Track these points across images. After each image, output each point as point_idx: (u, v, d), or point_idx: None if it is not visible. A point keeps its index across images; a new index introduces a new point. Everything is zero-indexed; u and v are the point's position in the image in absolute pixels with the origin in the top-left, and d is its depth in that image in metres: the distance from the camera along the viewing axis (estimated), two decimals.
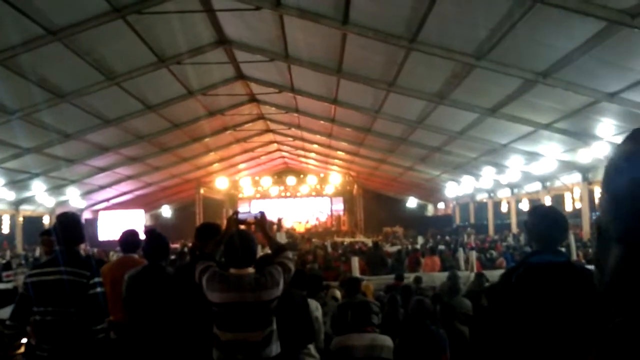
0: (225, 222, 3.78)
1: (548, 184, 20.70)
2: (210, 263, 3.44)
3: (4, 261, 14.37)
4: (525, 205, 23.62)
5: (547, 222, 2.61)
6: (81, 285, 3.67)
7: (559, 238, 2.64)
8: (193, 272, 3.44)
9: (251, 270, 3.41)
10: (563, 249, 11.29)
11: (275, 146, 29.26)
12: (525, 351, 2.36)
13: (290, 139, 26.28)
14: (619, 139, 1.05)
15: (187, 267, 3.59)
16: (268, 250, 4.36)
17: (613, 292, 1.01)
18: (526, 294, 2.44)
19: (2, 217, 22.59)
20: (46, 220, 24.43)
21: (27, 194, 21.45)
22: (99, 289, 3.76)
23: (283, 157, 33.03)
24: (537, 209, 2.83)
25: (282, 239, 17.78)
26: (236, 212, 3.75)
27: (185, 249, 13.33)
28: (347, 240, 25.24)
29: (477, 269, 11.07)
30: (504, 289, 2.58)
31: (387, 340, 4.67)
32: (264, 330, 3.32)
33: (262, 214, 3.87)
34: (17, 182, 19.55)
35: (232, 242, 3.45)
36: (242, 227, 3.71)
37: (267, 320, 3.35)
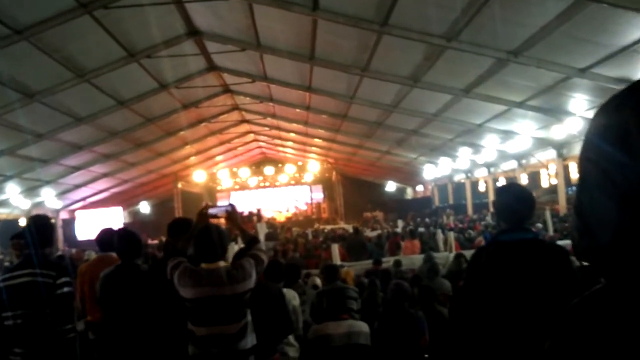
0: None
1: (524, 161, 20.89)
2: (181, 259, 3.41)
3: None
4: (503, 184, 23.82)
5: (514, 200, 2.62)
6: (48, 285, 3.64)
7: (527, 215, 2.66)
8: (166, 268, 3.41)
9: (222, 263, 3.39)
10: (540, 225, 11.39)
11: (251, 136, 29.11)
12: (498, 327, 2.38)
13: (267, 128, 26.17)
14: (592, 114, 1.03)
15: (161, 264, 3.55)
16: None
17: (613, 251, 0.96)
18: (496, 271, 2.45)
19: None
20: (22, 223, 24.01)
21: (2, 197, 21.07)
22: (66, 289, 3.73)
23: (260, 147, 32.91)
24: (503, 188, 2.85)
25: (262, 229, 17.73)
26: (206, 206, 3.70)
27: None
28: (328, 227, 25.27)
29: (456, 250, 11.15)
30: (474, 267, 2.59)
31: (363, 327, 4.68)
32: (239, 323, 3.30)
33: (232, 207, 3.83)
34: None
35: (202, 236, 3.42)
36: (213, 220, 3.68)
37: (241, 312, 3.34)
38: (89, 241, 24.30)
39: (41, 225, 3.91)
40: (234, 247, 7.96)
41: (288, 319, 4.27)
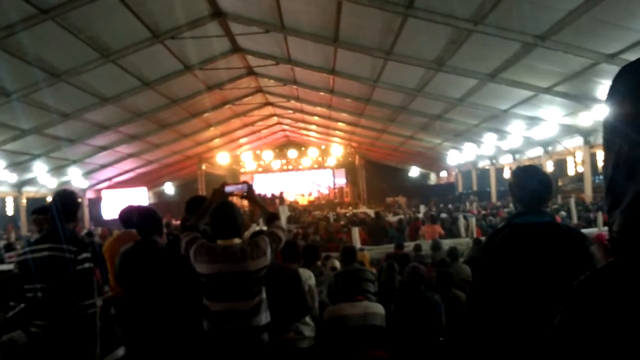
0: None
1: (550, 148, 20.60)
2: (196, 234, 3.44)
3: (6, 242, 14.43)
4: (519, 166, 23.51)
5: (530, 183, 2.58)
6: (69, 260, 3.70)
7: (543, 198, 2.62)
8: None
9: (238, 240, 3.41)
10: (564, 214, 11.26)
11: (275, 119, 29.16)
12: (512, 309, 2.36)
13: (290, 111, 26.18)
14: None
15: (178, 240, 3.59)
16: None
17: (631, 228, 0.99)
18: (510, 254, 2.43)
19: (6, 200, 22.67)
20: (50, 201, 24.49)
21: (29, 175, 21.49)
22: (87, 265, 3.80)
23: (284, 130, 32.95)
24: (519, 170, 2.80)
25: (284, 212, 17.80)
26: (223, 184, 3.72)
27: None
28: (350, 211, 25.28)
29: (477, 236, 11.08)
30: (489, 250, 2.57)
31: (379, 308, 4.69)
32: (253, 300, 3.33)
33: (248, 185, 3.85)
34: (19, 164, 19.57)
35: (219, 213, 3.45)
36: (234, 199, 3.72)
37: (256, 289, 3.36)
38: (114, 220, 24.71)
39: (65, 200, 3.98)
40: (255, 228, 8.01)
41: (304, 301, 4.29)
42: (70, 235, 3.83)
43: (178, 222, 17.86)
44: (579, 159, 19.40)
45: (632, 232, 0.96)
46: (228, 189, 3.67)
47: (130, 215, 5.25)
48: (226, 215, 3.42)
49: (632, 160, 0.99)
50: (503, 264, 2.44)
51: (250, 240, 3.44)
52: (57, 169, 22.06)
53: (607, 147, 1.09)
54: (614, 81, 1.10)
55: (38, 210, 5.40)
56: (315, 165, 34.95)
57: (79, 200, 4.34)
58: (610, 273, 0.99)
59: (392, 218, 18.57)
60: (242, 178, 34.91)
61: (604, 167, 1.10)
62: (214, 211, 3.47)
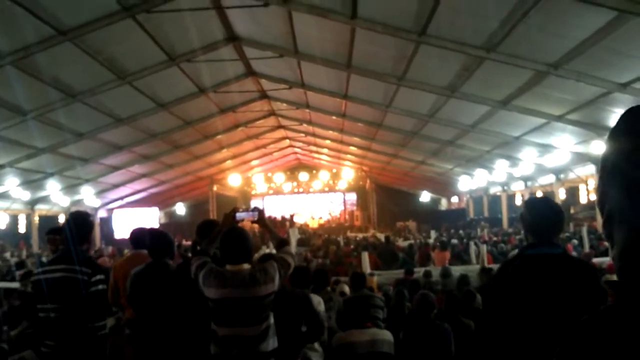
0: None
1: (562, 176, 20.50)
2: (206, 259, 3.47)
3: (18, 260, 14.51)
4: (531, 197, 23.39)
5: (541, 214, 2.59)
6: (83, 282, 3.73)
7: (555, 230, 2.62)
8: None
9: (247, 266, 3.44)
10: (576, 242, 11.18)
11: (287, 142, 29.29)
12: (522, 341, 2.36)
13: (302, 134, 26.29)
14: None
15: (189, 264, 3.61)
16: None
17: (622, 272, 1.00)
18: (522, 285, 2.43)
19: (18, 217, 22.84)
20: (62, 219, 24.66)
21: (42, 193, 21.66)
22: (100, 287, 3.83)
23: (295, 153, 33.05)
24: (531, 201, 2.81)
25: (294, 235, 17.79)
26: (234, 210, 3.76)
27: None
28: (360, 235, 25.21)
29: (488, 263, 11.01)
30: (500, 281, 2.57)
31: (387, 335, 4.67)
32: (260, 325, 3.34)
33: (259, 210, 3.88)
34: (32, 182, 19.74)
35: (229, 238, 3.48)
36: (244, 224, 3.74)
37: (263, 315, 3.37)
38: (125, 240, 24.80)
39: (80, 221, 4.03)
40: (265, 250, 8.03)
41: (318, 323, 4.27)
42: (84, 257, 3.88)
43: (189, 243, 17.94)
44: (592, 187, 19.28)
45: (629, 278, 0.97)
46: (239, 215, 3.70)
47: (141, 237, 5.28)
48: (236, 241, 3.45)
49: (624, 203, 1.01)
50: (514, 295, 2.44)
51: (259, 265, 3.46)
52: (70, 187, 22.22)
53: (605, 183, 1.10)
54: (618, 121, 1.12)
55: (53, 230, 5.46)
56: (326, 189, 34.98)
57: (93, 222, 4.39)
58: (606, 318, 0.99)
59: (402, 243, 18.52)
60: (253, 200, 35.03)
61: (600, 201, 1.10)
62: (223, 236, 3.51)
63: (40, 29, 10.10)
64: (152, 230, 4.56)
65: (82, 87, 13.32)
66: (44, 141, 16.11)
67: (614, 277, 1.06)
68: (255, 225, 4.27)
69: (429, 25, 10.05)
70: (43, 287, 3.76)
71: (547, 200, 2.85)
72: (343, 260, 13.13)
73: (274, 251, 5.30)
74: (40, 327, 3.81)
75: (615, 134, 1.09)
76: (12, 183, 19.01)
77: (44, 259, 14.62)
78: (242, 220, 3.74)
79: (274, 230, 4.01)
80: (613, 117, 13.04)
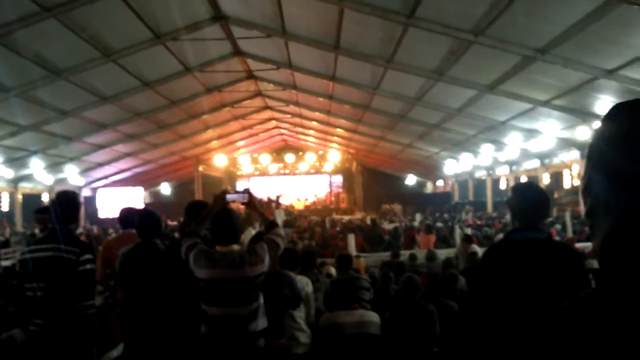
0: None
1: (547, 161, 20.68)
2: (196, 240, 3.49)
3: (3, 239, 14.42)
4: (518, 183, 23.58)
5: (528, 199, 2.63)
6: (71, 262, 3.74)
7: (541, 215, 2.67)
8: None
9: (236, 247, 3.47)
10: (559, 227, 11.30)
11: (273, 123, 29.16)
12: (506, 323, 2.40)
13: (289, 115, 26.19)
14: None
15: (178, 244, 3.62)
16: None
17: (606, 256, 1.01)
18: (507, 269, 2.47)
19: (1, 195, 22.62)
20: (45, 198, 24.45)
21: (26, 171, 21.45)
22: (88, 266, 3.84)
23: (282, 134, 32.95)
24: (518, 187, 2.85)
25: (280, 216, 17.82)
26: (224, 191, 3.77)
27: None
28: (345, 217, 25.30)
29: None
30: (486, 264, 2.61)
31: (374, 317, 4.73)
32: (250, 305, 3.38)
33: (249, 193, 3.90)
34: (16, 160, 19.54)
35: (219, 220, 3.49)
36: (232, 204, 3.76)
37: (253, 295, 3.41)
38: (110, 219, 24.72)
39: (67, 201, 4.01)
40: (251, 231, 8.05)
41: (297, 292, 4.31)
42: (72, 236, 3.87)
43: (174, 223, 17.93)
44: (575, 172, 19.49)
45: (610, 266, 0.99)
46: (229, 197, 3.71)
47: (130, 216, 5.27)
48: (226, 222, 3.48)
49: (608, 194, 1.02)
50: (500, 278, 2.48)
51: (249, 247, 3.49)
52: (54, 165, 22.01)
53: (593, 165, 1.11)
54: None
55: (42, 210, 5.43)
56: (312, 170, 34.98)
57: (80, 201, 4.37)
58: (586, 304, 1.01)
59: (387, 225, 18.62)
60: (239, 181, 34.95)
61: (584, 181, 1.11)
62: (214, 218, 3.53)
63: (24, 5, 9.93)
64: (140, 210, 4.55)
65: (66, 65, 13.14)
66: (27, 119, 15.91)
67: (596, 263, 1.08)
68: (242, 207, 4.29)
69: (417, 7, 10.04)
70: (31, 266, 3.76)
71: (534, 185, 2.89)
72: (329, 242, 13.19)
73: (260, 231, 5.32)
74: (27, 306, 3.81)
75: (605, 123, 1.11)
76: None
77: (30, 237, 14.57)
78: (233, 201, 3.75)
79: (264, 212, 4.03)
80: (599, 103, 13.18)
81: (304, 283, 4.81)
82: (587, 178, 1.09)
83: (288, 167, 34.74)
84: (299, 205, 33.57)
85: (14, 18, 10.26)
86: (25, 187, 22.93)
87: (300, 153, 33.70)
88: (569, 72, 11.31)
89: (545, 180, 21.01)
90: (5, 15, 10.13)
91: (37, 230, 15.85)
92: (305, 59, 15.67)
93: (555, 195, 23.14)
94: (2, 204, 22.95)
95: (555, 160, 19.94)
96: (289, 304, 4.21)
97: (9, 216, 23.35)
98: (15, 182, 21.83)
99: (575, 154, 18.06)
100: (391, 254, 9.94)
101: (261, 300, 3.45)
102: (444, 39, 11.24)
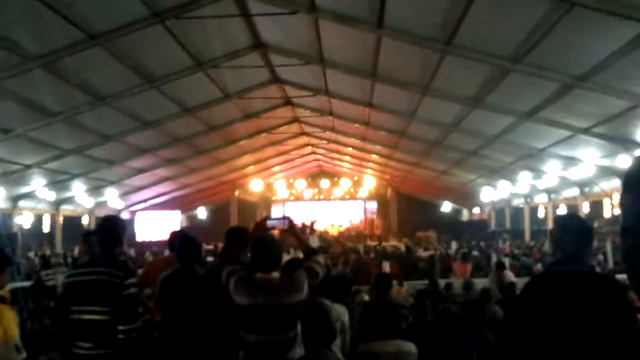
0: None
1: (586, 189, 20.25)
2: (237, 266, 3.52)
3: (43, 261, 14.73)
4: (562, 211, 23.15)
5: (571, 231, 2.60)
6: (115, 285, 3.81)
7: (583, 248, 2.63)
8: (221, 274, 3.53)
9: (276, 274, 3.48)
10: (601, 257, 11.04)
11: (309, 149, 29.35)
12: (547, 358, 2.36)
13: (325, 141, 26.33)
14: None
15: (217, 269, 3.66)
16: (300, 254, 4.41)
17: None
18: (548, 302, 2.44)
19: (43, 217, 23.18)
20: (85, 220, 24.98)
21: (68, 194, 21.99)
22: (132, 290, 3.91)
23: (317, 159, 33.10)
24: (561, 218, 2.83)
25: (314, 242, 17.83)
26: (266, 217, 3.82)
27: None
28: (379, 244, 25.12)
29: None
30: (527, 297, 2.58)
31: (412, 347, 4.67)
32: (289, 333, 3.38)
33: (289, 219, 3.93)
34: (58, 183, 20.05)
35: (260, 246, 3.52)
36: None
37: (292, 323, 3.42)
38: (147, 242, 25.07)
39: (113, 225, 4.12)
40: (285, 257, 8.07)
41: (330, 328, 4.29)
42: (117, 260, 3.96)
43: (209, 247, 18.08)
44: (616, 201, 19.04)
45: None
46: (270, 222, 3.75)
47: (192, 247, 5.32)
48: (266, 249, 3.51)
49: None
50: (540, 312, 2.44)
51: (289, 275, 3.50)
52: (95, 189, 22.51)
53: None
54: None
55: (89, 233, 5.56)
56: (347, 196, 34.97)
57: (125, 225, 4.48)
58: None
59: (422, 253, 18.43)
60: (274, 205, 35.12)
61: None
62: (254, 244, 3.56)
63: (71, 32, 10.27)
64: (181, 234, 4.62)
65: (110, 91, 13.52)
66: (70, 143, 16.38)
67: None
68: (276, 232, 4.33)
69: (455, 35, 10.05)
70: (78, 289, 3.84)
71: (577, 217, 2.86)
72: (363, 269, 13.11)
73: (298, 257, 5.34)
74: (72, 329, 3.88)
75: None
76: (38, 183, 19.35)
77: (70, 259, 14.86)
78: (273, 227, 3.79)
79: (304, 239, 4.05)
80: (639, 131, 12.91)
81: (341, 312, 4.79)
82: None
83: (323, 193, 34.84)
84: (333, 231, 33.51)
85: (61, 45, 10.64)
86: (67, 209, 23.48)
87: (335, 179, 33.80)
88: (609, 100, 11.14)
89: (585, 209, 20.57)
90: (52, 42, 10.51)
91: (76, 252, 16.22)
92: (342, 85, 15.80)
93: (595, 225, 22.60)
94: (43, 226, 23.51)
95: (595, 189, 19.51)
96: (324, 339, 4.18)
97: (49, 237, 23.86)
98: (57, 204, 22.37)
99: (616, 183, 17.65)
100: (429, 283, 9.81)
101: (299, 328, 3.46)
102: (482, 65, 11.21)
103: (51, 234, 23.76)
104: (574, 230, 2.58)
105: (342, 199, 35.28)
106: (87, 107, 13.66)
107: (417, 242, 27.49)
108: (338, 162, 32.37)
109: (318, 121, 21.82)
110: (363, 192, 33.91)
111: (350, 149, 26.81)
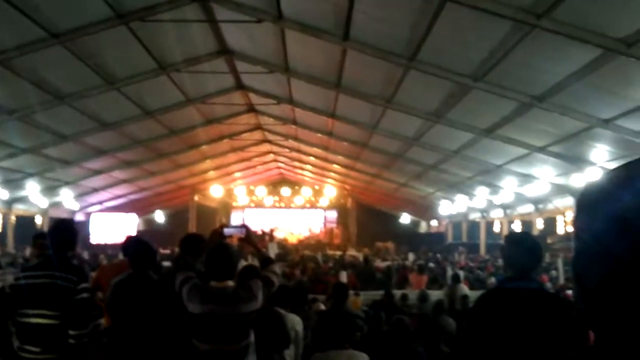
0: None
1: (540, 206, 20.78)
2: (191, 274, 3.50)
3: None
4: (517, 227, 23.67)
5: (521, 249, 2.67)
6: (68, 289, 3.74)
7: (532, 265, 2.71)
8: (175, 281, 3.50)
9: (231, 283, 3.47)
10: (554, 273, 11.27)
11: (271, 156, 29.30)
12: None
13: (287, 150, 26.34)
14: (612, 165, 1.08)
15: (171, 276, 3.63)
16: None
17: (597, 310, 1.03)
18: (498, 318, 2.50)
19: None
20: (39, 221, 24.37)
21: (21, 193, 21.41)
22: (85, 295, 3.84)
23: (279, 167, 33.06)
24: (512, 236, 2.91)
25: (273, 249, 17.78)
26: (222, 226, 3.80)
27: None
28: (338, 253, 25.19)
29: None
30: (478, 312, 2.64)
31: (365, 358, 4.69)
32: (241, 342, 3.37)
33: (247, 228, 3.92)
34: (11, 182, 19.52)
35: (215, 255, 3.51)
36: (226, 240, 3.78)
37: (245, 332, 3.41)
38: (102, 245, 24.60)
39: (66, 228, 4.04)
40: (242, 263, 8.02)
41: (284, 334, 4.29)
42: (70, 264, 3.88)
43: (166, 251, 17.85)
44: (569, 218, 19.57)
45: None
46: (227, 231, 3.74)
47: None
48: (222, 258, 3.49)
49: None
50: (490, 327, 2.50)
51: (243, 283, 3.50)
52: (50, 189, 21.99)
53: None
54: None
55: (40, 235, 5.43)
56: (308, 205, 35.00)
57: (78, 229, 4.39)
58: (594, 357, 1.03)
59: (380, 263, 18.56)
60: (234, 211, 34.89)
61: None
62: (210, 252, 3.54)
63: (32, 30, 10.06)
64: (135, 239, 4.56)
65: (70, 90, 13.25)
66: (26, 141, 15.98)
67: None
68: (234, 240, 4.32)
69: (419, 51, 10.22)
70: (25, 292, 3.75)
71: (527, 237, 2.94)
72: (321, 278, 13.12)
73: (252, 264, 5.32)
74: (19, 332, 3.79)
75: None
76: None
77: (21, 260, 14.46)
78: (230, 236, 3.78)
79: (260, 248, 4.05)
80: (594, 151, 13.33)
81: (295, 322, 4.79)
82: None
83: (283, 201, 34.80)
84: (293, 239, 33.47)
85: (20, 42, 10.40)
86: (20, 209, 22.86)
87: (297, 187, 33.83)
88: (566, 120, 11.47)
89: (539, 225, 21.08)
90: (11, 39, 10.26)
91: (27, 253, 15.79)
92: (306, 95, 15.85)
93: (549, 241, 23.16)
94: None
95: (550, 206, 20.04)
96: (277, 345, 4.20)
97: (0, 237, 23.19)
98: (10, 203, 21.76)
99: (569, 201, 18.16)
100: (384, 293, 9.88)
101: (252, 338, 3.45)
102: (444, 82, 11.41)
103: (3, 234, 23.09)
104: (524, 249, 2.66)
105: (303, 207, 35.30)
106: (45, 106, 13.35)
107: (376, 252, 27.70)
108: (300, 171, 32.39)
109: (281, 129, 21.82)
110: (324, 201, 34.01)
111: (312, 158, 26.88)
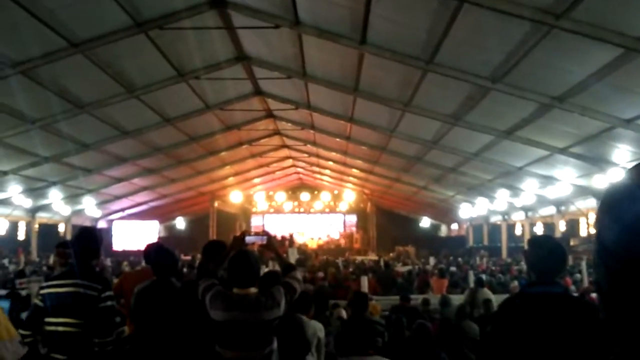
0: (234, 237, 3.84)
1: (563, 208, 20.53)
2: (214, 281, 3.50)
3: (18, 268, 14.50)
4: (539, 229, 23.42)
5: (544, 253, 2.63)
6: (93, 298, 3.78)
7: (556, 269, 2.67)
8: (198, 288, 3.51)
9: (253, 290, 3.47)
10: (579, 276, 11.12)
11: (290, 162, 29.38)
12: None
13: (306, 155, 26.39)
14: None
15: (194, 283, 3.64)
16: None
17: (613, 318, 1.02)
18: (521, 324, 2.47)
19: (18, 224, 22.85)
20: (61, 228, 24.69)
21: (44, 201, 21.72)
22: (109, 303, 3.87)
23: (298, 172, 33.14)
24: (535, 240, 2.85)
25: (293, 254, 17.79)
26: (243, 233, 3.81)
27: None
28: (358, 258, 25.13)
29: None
30: (500, 318, 2.61)
31: None
32: (265, 349, 3.37)
33: (269, 236, 3.93)
34: (35, 190, 19.81)
35: (238, 262, 3.51)
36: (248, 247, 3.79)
37: (268, 339, 3.40)
38: (124, 252, 24.82)
39: (89, 237, 4.08)
40: (264, 269, 8.03)
41: (305, 341, 4.28)
42: (94, 273, 3.92)
43: (187, 258, 17.94)
44: (592, 220, 19.31)
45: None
46: (249, 239, 3.75)
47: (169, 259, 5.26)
48: (244, 265, 3.49)
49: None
50: (513, 334, 2.47)
51: (266, 290, 3.49)
52: (72, 197, 22.28)
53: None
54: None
55: (64, 244, 5.48)
56: (327, 210, 35.01)
57: (102, 237, 4.43)
58: None
59: (401, 268, 18.46)
60: (254, 217, 35.00)
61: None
62: (232, 259, 3.54)
63: (52, 40, 10.20)
64: (157, 246, 4.58)
65: (90, 99, 13.43)
66: (48, 150, 16.22)
67: None
68: (255, 246, 4.32)
69: (436, 54, 10.18)
70: (52, 301, 3.80)
71: (550, 240, 2.89)
72: (342, 283, 13.07)
73: (272, 270, 5.30)
74: (45, 340, 3.83)
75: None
76: (14, 190, 19.10)
77: (45, 268, 14.62)
78: (252, 243, 3.78)
79: (282, 255, 4.05)
80: (616, 152, 13.14)
81: (317, 329, 4.77)
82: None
83: (303, 206, 34.87)
84: (312, 244, 33.47)
85: (42, 52, 10.56)
86: (43, 217, 23.18)
87: (316, 192, 33.87)
88: (587, 121, 11.33)
89: (561, 227, 20.83)
90: (33, 49, 10.42)
91: (51, 261, 15.98)
92: (324, 100, 15.87)
93: (572, 243, 22.88)
94: (18, 233, 23.18)
95: (572, 208, 19.79)
96: (297, 352, 4.18)
97: (24, 245, 23.52)
98: (33, 211, 22.09)
99: (592, 202, 17.92)
100: (400, 298, 9.76)
101: (275, 344, 3.45)
102: (462, 84, 11.35)
103: (26, 242, 23.42)
104: (547, 253, 2.62)
105: (322, 212, 35.32)
106: (66, 115, 13.53)
107: (396, 256, 27.58)
108: (318, 176, 32.43)
109: (299, 134, 21.88)
110: (343, 205, 34.02)
111: (331, 163, 26.90)
